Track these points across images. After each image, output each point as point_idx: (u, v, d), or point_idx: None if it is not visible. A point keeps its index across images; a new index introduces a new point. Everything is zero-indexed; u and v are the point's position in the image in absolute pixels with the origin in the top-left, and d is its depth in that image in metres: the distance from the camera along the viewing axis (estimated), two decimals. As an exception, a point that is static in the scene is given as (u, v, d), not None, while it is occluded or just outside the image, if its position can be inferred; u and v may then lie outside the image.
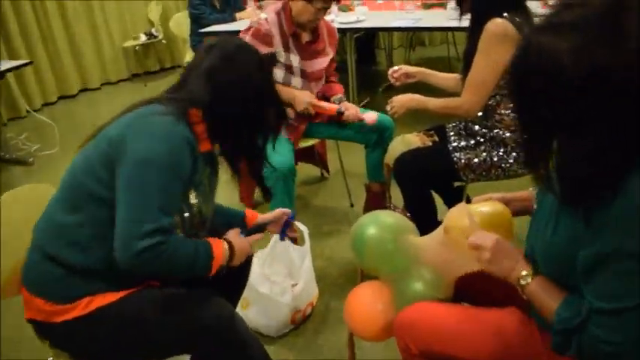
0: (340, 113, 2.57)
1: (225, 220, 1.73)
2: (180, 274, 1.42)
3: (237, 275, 1.74)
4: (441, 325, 1.31)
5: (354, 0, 4.70)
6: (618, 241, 0.95)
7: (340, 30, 4.25)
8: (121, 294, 1.41)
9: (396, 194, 2.50)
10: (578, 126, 0.95)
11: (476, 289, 1.46)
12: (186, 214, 1.43)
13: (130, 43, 6.36)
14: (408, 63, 5.95)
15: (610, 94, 0.90)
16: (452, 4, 3.76)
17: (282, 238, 1.88)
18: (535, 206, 1.25)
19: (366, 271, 1.69)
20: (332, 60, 2.78)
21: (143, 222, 1.27)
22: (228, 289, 1.70)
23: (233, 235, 1.57)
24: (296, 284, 2.27)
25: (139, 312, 1.40)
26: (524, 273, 1.15)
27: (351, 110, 2.58)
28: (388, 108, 2.35)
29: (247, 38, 2.54)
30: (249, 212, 1.85)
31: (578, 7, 0.94)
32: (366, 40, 5.83)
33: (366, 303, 1.56)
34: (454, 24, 3.75)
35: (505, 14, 1.96)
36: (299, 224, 2.41)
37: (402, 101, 2.31)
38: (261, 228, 1.78)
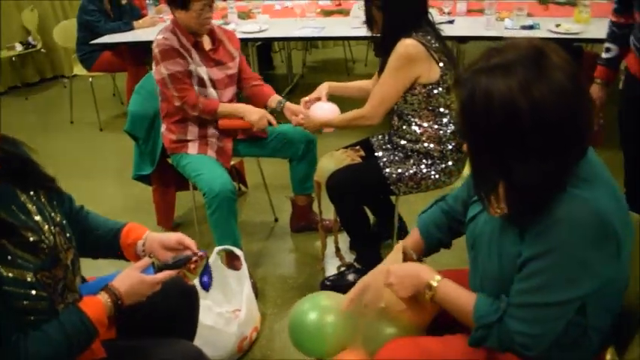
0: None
1: (95, 239, 1.51)
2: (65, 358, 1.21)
3: (186, 313, 1.68)
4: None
5: (252, 8, 4.66)
6: (536, 246, 1.10)
7: (243, 40, 4.22)
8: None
9: (324, 204, 2.54)
10: (524, 156, 1.05)
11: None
12: (32, 292, 1.16)
13: (4, 54, 5.85)
14: (304, 65, 6.02)
15: (551, 121, 1.01)
16: (356, 12, 3.88)
17: (205, 288, 1.73)
18: (470, 243, 1.36)
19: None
20: (242, 61, 2.74)
21: None
22: (182, 328, 1.64)
23: (120, 277, 1.35)
24: (237, 310, 2.23)
25: None
26: (430, 281, 1.29)
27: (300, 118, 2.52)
28: (301, 129, 2.47)
29: (161, 68, 2.46)
30: (130, 228, 1.55)
31: (511, 50, 1.05)
32: (262, 45, 5.79)
33: None
34: (355, 33, 3.90)
35: (414, 33, 2.06)
36: (233, 248, 2.37)
37: (310, 126, 2.42)
38: (177, 265, 1.48)
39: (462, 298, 1.25)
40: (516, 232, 1.15)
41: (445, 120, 2.21)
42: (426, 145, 2.23)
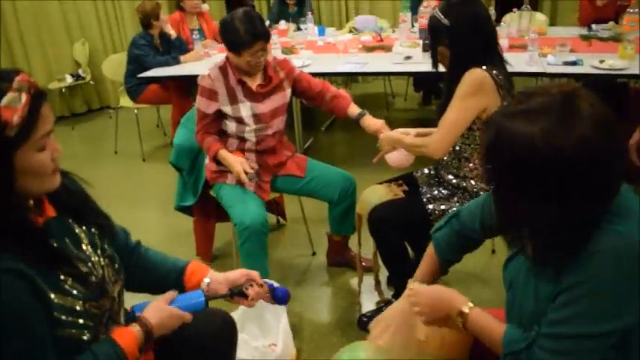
0: None
1: (157, 278, 1.55)
2: None
3: (225, 343, 1.67)
4: None
5: (295, 44, 4.74)
6: (569, 279, 1.08)
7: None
8: None
9: (363, 237, 2.52)
10: (546, 197, 1.05)
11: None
12: (80, 321, 1.18)
13: (55, 85, 6.08)
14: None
15: (574, 168, 1.01)
16: (398, 49, 3.91)
17: (284, 302, 1.71)
18: (507, 283, 1.34)
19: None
20: (302, 80, 2.72)
21: None
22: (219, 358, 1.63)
23: (151, 309, 1.38)
24: (273, 344, 2.21)
25: None
26: (462, 307, 1.29)
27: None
28: (378, 145, 2.40)
29: (197, 99, 2.56)
30: (193, 269, 1.57)
31: (540, 95, 1.06)
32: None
33: None
34: (397, 68, 3.93)
35: (484, 66, 2.04)
36: (272, 282, 2.36)
37: (387, 139, 2.37)
38: (231, 294, 1.54)
39: (493, 325, 1.25)
40: (552, 271, 1.14)
41: None
42: (473, 182, 2.20)
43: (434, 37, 2.15)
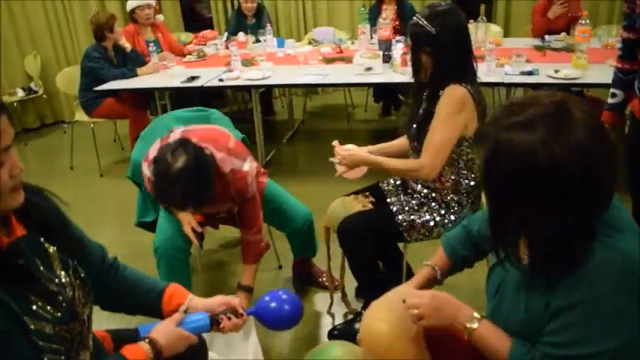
0: None
1: (134, 298, 1.52)
2: None
3: None
4: None
5: (255, 56, 4.72)
6: (567, 297, 1.08)
7: (246, 86, 4.26)
8: None
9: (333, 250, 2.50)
10: (544, 210, 1.05)
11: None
12: (53, 345, 1.12)
13: (6, 99, 5.87)
14: (305, 111, 6.06)
15: (573, 175, 1.01)
16: (358, 60, 3.92)
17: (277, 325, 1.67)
18: (492, 290, 1.34)
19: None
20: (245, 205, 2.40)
21: None
22: None
23: (160, 329, 1.39)
24: (243, 362, 2.15)
25: None
26: (468, 323, 1.27)
27: None
28: (336, 160, 2.28)
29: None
30: (172, 293, 1.54)
31: (533, 106, 1.06)
32: (263, 92, 5.85)
33: None
34: (358, 79, 3.95)
35: (463, 82, 2.03)
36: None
37: (354, 160, 2.23)
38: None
39: (499, 343, 1.24)
40: (544, 281, 1.14)
41: (465, 172, 2.16)
42: (444, 193, 2.20)
43: (416, 46, 2.09)
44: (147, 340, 1.35)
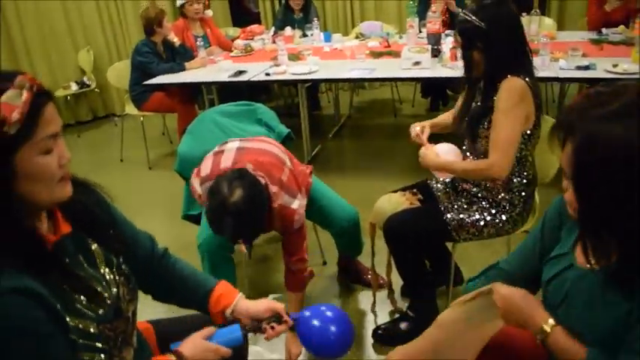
0: None
1: (183, 292, 1.50)
2: None
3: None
4: None
5: (302, 50, 4.70)
6: None
7: (293, 81, 4.24)
8: None
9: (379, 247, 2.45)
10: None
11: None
12: (96, 344, 1.12)
13: (60, 93, 6.05)
14: (352, 106, 6.02)
15: None
16: (406, 55, 3.85)
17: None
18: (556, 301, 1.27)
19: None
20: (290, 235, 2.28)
21: None
22: None
23: (187, 343, 1.35)
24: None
25: None
26: (544, 326, 1.20)
27: None
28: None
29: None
30: (221, 293, 1.49)
31: (623, 95, 1.00)
32: (310, 87, 5.84)
33: None
34: (406, 74, 3.88)
35: (520, 75, 1.96)
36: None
37: (427, 161, 2.18)
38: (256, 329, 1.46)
39: (574, 348, 1.17)
40: (627, 287, 1.07)
41: (518, 169, 2.09)
42: (494, 192, 2.13)
43: (467, 42, 2.03)
44: (173, 354, 1.30)
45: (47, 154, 1.05)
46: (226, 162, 2.13)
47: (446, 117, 2.40)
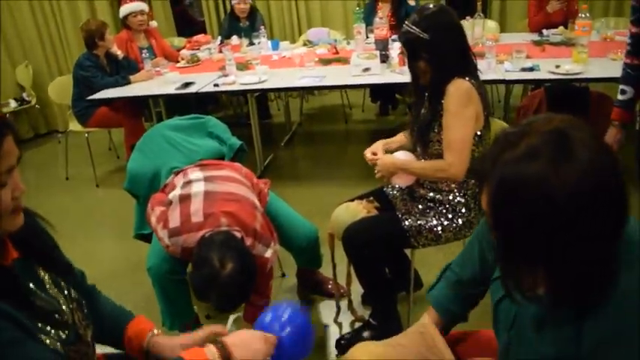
0: None
1: (106, 329, 1.43)
2: None
3: None
4: None
5: (250, 59, 4.65)
6: (605, 324, 1.00)
7: (242, 91, 4.18)
8: None
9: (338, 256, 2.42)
10: (564, 238, 0.97)
11: None
12: None
13: (-2, 111, 5.80)
14: (302, 113, 6.00)
15: (587, 201, 0.94)
16: (355, 61, 3.86)
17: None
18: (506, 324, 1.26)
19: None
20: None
21: None
22: None
23: (233, 333, 1.32)
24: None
25: None
26: None
27: None
28: (375, 171, 2.21)
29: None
30: (139, 322, 1.47)
31: (531, 135, 0.99)
32: (259, 95, 5.78)
33: None
34: (356, 81, 3.89)
35: (466, 77, 1.99)
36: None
37: (386, 167, 2.17)
38: None
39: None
40: (572, 310, 1.05)
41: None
42: (451, 197, 2.14)
43: (412, 53, 2.05)
44: (213, 342, 1.27)
45: (2, 187, 1.01)
46: (197, 216, 2.01)
47: (399, 138, 2.38)
